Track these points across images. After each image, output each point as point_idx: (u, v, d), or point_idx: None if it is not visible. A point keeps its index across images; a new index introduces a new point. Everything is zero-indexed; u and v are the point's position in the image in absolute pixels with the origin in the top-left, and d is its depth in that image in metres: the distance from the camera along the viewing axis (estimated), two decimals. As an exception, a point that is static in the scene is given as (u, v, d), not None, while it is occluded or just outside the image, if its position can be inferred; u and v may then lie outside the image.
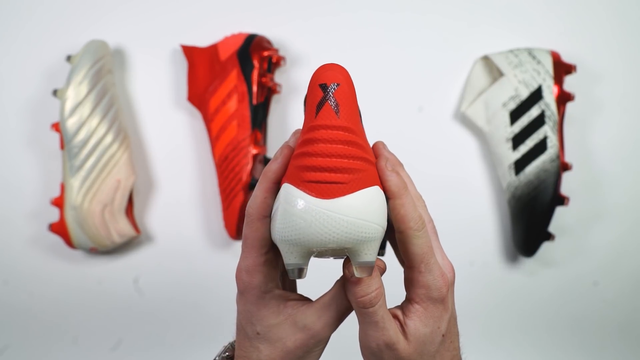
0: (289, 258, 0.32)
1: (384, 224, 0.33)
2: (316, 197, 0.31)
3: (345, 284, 0.36)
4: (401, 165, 0.40)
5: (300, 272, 0.33)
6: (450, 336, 0.38)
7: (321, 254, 0.33)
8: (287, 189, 0.32)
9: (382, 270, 0.36)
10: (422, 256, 0.35)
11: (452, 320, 0.38)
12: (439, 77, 0.76)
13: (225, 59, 0.72)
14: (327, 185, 0.31)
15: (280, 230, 0.32)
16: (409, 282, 0.37)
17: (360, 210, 0.31)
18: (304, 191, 0.31)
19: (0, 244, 0.76)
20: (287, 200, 0.32)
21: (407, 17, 0.76)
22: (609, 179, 0.76)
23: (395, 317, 0.36)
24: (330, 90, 0.31)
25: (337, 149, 0.31)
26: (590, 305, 0.77)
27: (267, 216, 0.35)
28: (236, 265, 0.38)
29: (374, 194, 0.32)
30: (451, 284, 0.37)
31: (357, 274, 0.33)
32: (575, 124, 0.75)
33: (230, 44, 0.73)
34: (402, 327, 0.36)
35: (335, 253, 0.33)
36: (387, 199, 0.34)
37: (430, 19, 0.76)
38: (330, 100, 0.31)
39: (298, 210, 0.31)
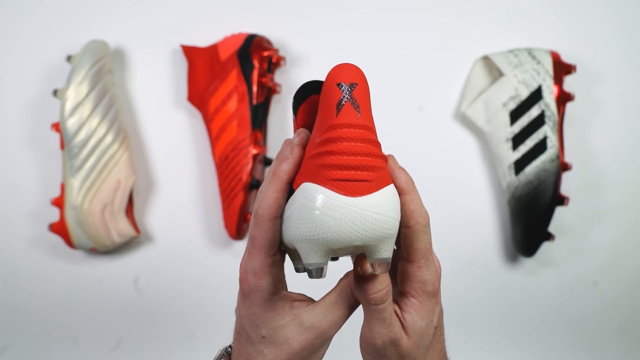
0: (311, 258, 0.32)
1: (399, 219, 0.34)
2: (345, 195, 0.31)
3: (354, 281, 0.36)
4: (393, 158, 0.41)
5: (321, 272, 0.33)
6: (440, 328, 0.39)
7: (340, 251, 0.33)
8: (309, 187, 0.32)
9: (388, 268, 0.37)
10: (424, 252, 0.36)
11: (441, 313, 0.39)
12: (439, 77, 0.76)
13: (225, 59, 0.72)
14: (355, 183, 0.31)
15: (300, 229, 0.32)
16: (405, 276, 0.37)
17: (385, 207, 0.32)
18: (332, 189, 0.31)
19: (0, 244, 0.76)
20: (311, 199, 0.32)
21: (407, 16, 0.76)
22: (609, 179, 0.76)
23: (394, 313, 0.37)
24: (349, 89, 0.31)
25: (361, 148, 0.31)
26: (590, 305, 0.77)
27: (279, 217, 0.35)
28: (237, 266, 0.37)
29: (393, 190, 0.33)
30: (440, 278, 0.38)
31: (375, 270, 0.33)
32: (575, 124, 0.75)
33: (230, 44, 0.73)
34: (401, 322, 0.37)
35: (355, 250, 0.34)
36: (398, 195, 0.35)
37: (430, 19, 0.76)
38: (351, 100, 0.31)
39: (326, 208, 0.31)
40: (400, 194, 0.34)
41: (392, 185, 0.33)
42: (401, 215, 0.35)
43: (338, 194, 0.31)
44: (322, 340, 0.37)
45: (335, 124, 0.31)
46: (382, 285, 0.35)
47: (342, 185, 0.31)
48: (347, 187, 0.31)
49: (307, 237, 0.32)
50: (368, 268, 0.34)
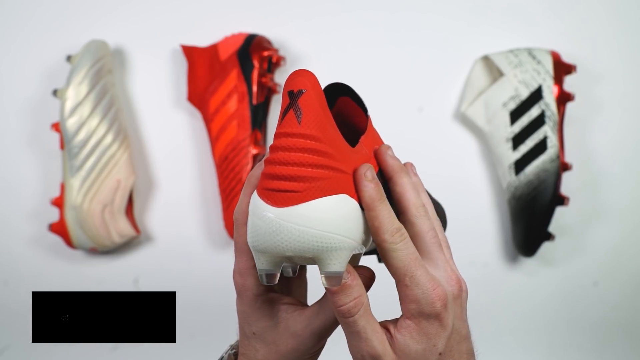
0: (258, 263, 0.32)
1: (349, 233, 0.32)
2: (271, 205, 0.30)
3: (327, 292, 0.35)
4: (404, 171, 0.37)
5: (270, 278, 0.33)
6: (451, 355, 0.35)
7: (290, 260, 0.33)
8: (253, 196, 0.32)
9: (369, 280, 0.35)
10: (404, 269, 0.33)
11: (456, 338, 0.35)
12: (439, 77, 0.76)
13: (225, 59, 0.72)
14: (281, 193, 0.30)
15: (249, 236, 0.32)
16: (400, 297, 0.35)
17: (314, 219, 0.30)
18: (262, 199, 0.31)
19: (0, 244, 0.76)
20: (251, 208, 0.32)
21: (407, 17, 0.76)
22: (609, 179, 0.76)
23: (386, 329, 0.35)
24: (296, 97, 0.31)
25: (293, 157, 0.30)
26: (590, 306, 0.77)
27: None
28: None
29: (336, 203, 0.31)
30: (454, 298, 0.35)
31: (324, 283, 0.32)
32: (575, 124, 0.75)
33: (230, 44, 0.73)
34: (394, 339, 0.34)
35: (302, 261, 0.33)
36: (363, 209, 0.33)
37: (430, 19, 0.76)
38: (295, 108, 0.31)
39: (257, 217, 0.31)
40: (364, 209, 0.33)
41: (336, 197, 0.31)
42: (371, 232, 0.34)
43: (266, 203, 0.31)
44: (306, 348, 0.37)
45: (277, 133, 0.31)
46: (349, 297, 0.33)
47: (270, 194, 0.31)
48: (273, 197, 0.30)
49: (251, 244, 0.32)
50: (322, 280, 0.32)
